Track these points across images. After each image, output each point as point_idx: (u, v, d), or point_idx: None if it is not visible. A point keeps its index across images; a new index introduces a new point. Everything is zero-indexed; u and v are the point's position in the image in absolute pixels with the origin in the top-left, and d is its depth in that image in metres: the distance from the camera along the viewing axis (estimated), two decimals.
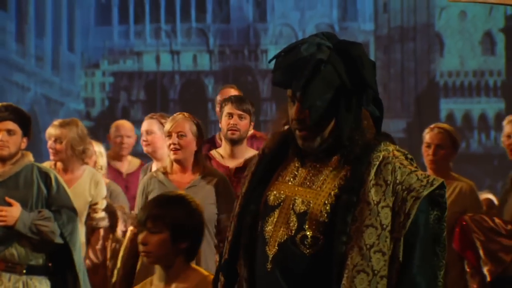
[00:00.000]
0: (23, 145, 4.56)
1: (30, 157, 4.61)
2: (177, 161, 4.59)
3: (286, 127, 2.74)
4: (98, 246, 5.19)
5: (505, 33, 15.26)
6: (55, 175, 4.57)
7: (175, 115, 4.79)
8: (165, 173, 4.65)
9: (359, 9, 15.69)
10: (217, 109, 5.53)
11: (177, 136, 4.62)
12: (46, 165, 5.24)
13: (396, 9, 16.13)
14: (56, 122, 5.39)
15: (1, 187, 4.51)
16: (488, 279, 4.74)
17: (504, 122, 5.18)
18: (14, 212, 4.40)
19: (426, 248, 2.37)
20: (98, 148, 5.87)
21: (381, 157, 2.40)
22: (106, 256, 5.28)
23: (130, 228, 4.76)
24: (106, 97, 15.78)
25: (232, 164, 5.01)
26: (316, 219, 2.40)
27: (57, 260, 4.54)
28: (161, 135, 5.35)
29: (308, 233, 2.40)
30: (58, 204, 4.53)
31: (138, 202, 4.65)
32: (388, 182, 2.36)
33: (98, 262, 5.17)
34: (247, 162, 4.80)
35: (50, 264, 4.52)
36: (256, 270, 2.48)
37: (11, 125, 4.51)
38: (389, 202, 2.36)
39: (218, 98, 5.68)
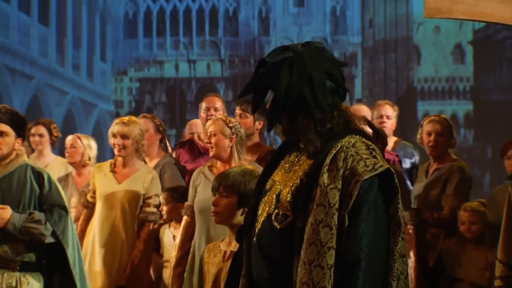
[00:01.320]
0: (17, 146, 4.08)
1: (24, 157, 4.15)
2: (215, 157, 4.51)
3: None
4: (145, 239, 4.75)
5: (473, 45, 15.25)
6: (48, 174, 4.11)
7: (211, 119, 4.65)
8: (210, 168, 4.54)
9: (348, 24, 15.69)
10: (202, 114, 5.27)
11: (210, 136, 4.55)
12: (107, 162, 4.90)
13: (380, 25, 16.12)
14: (118, 121, 4.97)
15: None
16: (430, 265, 4.72)
17: (425, 122, 5.06)
18: (4, 214, 3.96)
19: (363, 224, 2.39)
20: (87, 141, 5.67)
21: (338, 146, 2.44)
22: (152, 249, 4.95)
23: (184, 217, 4.53)
24: (133, 100, 15.80)
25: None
26: (284, 199, 2.46)
27: (52, 257, 4.08)
28: (154, 134, 5.26)
29: (280, 211, 2.47)
30: (50, 203, 4.06)
31: (190, 193, 4.65)
32: (339, 167, 2.40)
33: (143, 254, 4.74)
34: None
35: (44, 261, 4.05)
36: (248, 241, 2.57)
37: (3, 126, 4.03)
38: (338, 185, 2.39)
39: (203, 104, 5.38)
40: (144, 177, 4.89)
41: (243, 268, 2.57)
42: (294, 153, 2.55)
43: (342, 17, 15.84)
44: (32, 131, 6.06)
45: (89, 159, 5.59)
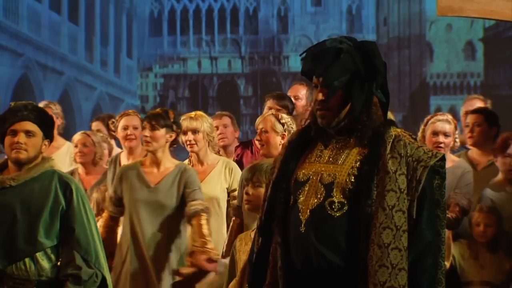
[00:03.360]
0: (44, 149, 3.44)
1: (52, 163, 3.49)
2: (265, 155, 4.39)
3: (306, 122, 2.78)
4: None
5: (484, 42, 15.18)
6: (76, 186, 3.42)
7: (261, 115, 4.42)
8: None
9: (364, 22, 15.66)
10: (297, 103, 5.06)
11: (261, 133, 4.30)
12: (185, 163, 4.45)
13: (394, 23, 16.08)
14: (185, 117, 4.65)
15: (13, 193, 3.36)
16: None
17: (430, 121, 4.76)
18: None
19: (432, 209, 2.41)
20: (96, 139, 5.31)
21: (393, 135, 2.45)
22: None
23: (233, 218, 4.24)
24: (157, 95, 15.85)
25: None
26: (342, 187, 2.43)
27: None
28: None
29: (335, 199, 2.44)
30: (72, 226, 3.30)
31: (239, 194, 4.54)
32: (402, 155, 2.41)
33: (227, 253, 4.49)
34: None
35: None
36: (290, 233, 2.50)
37: (29, 125, 3.38)
38: (404, 171, 2.40)
39: (289, 94, 5.17)
40: (224, 171, 4.67)
41: (279, 261, 2.49)
42: (333, 144, 2.53)
43: (358, 15, 15.83)
44: (92, 127, 5.90)
45: (101, 158, 5.31)
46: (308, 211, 2.48)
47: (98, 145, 5.25)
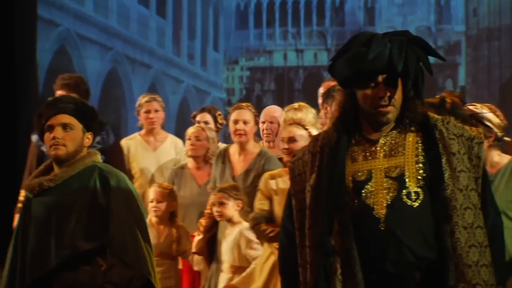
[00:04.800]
0: (87, 142, 3.21)
1: (96, 157, 3.24)
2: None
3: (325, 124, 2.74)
4: None
5: None
6: (118, 181, 3.10)
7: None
8: None
9: (453, 13, 15.40)
10: (320, 101, 5.02)
11: (289, 141, 4.34)
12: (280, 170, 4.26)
13: (484, 13, 15.77)
14: (289, 108, 4.60)
15: (52, 195, 3.12)
16: None
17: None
18: None
19: (489, 185, 2.44)
20: (211, 134, 5.37)
21: (439, 119, 2.45)
22: None
23: None
24: (243, 88, 15.93)
25: None
26: (414, 176, 2.43)
27: None
28: (253, 126, 4.99)
29: (411, 189, 2.43)
30: (108, 225, 3.03)
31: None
32: (457, 135, 2.42)
33: None
34: None
35: None
36: (366, 234, 2.47)
37: (66, 118, 3.13)
38: (465, 150, 2.41)
39: (321, 90, 5.19)
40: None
41: (356, 265, 2.45)
42: (383, 138, 2.52)
43: (446, 6, 15.57)
44: (198, 118, 5.91)
45: (213, 155, 5.24)
46: (384, 207, 2.46)
47: (212, 141, 5.23)
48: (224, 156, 4.94)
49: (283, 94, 15.49)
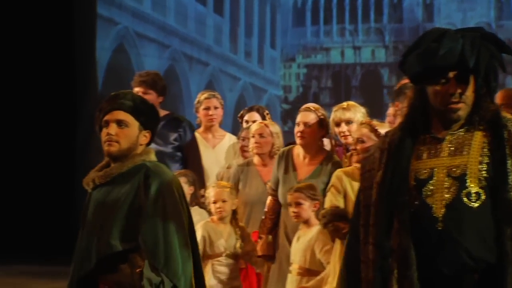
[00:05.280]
0: (144, 140, 3.11)
1: (147, 156, 3.11)
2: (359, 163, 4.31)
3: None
4: None
5: None
6: (160, 181, 2.99)
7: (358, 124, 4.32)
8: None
9: None
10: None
11: (357, 143, 4.28)
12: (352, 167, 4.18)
13: None
14: (337, 107, 4.58)
15: (103, 191, 3.08)
16: None
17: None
18: None
19: None
20: (274, 129, 5.27)
21: (507, 118, 2.41)
22: None
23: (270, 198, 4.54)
24: (300, 85, 15.92)
25: None
26: (476, 177, 2.39)
27: None
28: (317, 128, 4.83)
29: (471, 190, 2.39)
30: (140, 226, 2.91)
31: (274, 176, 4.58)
32: None
33: None
34: None
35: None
36: (423, 233, 2.44)
37: (121, 115, 3.05)
38: None
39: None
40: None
41: (412, 265, 2.43)
42: (450, 136, 2.49)
43: (507, 2, 15.31)
44: (246, 117, 5.86)
45: (278, 150, 5.13)
46: (443, 206, 2.43)
47: (276, 136, 5.13)
48: (287, 157, 4.86)
49: (340, 92, 15.43)
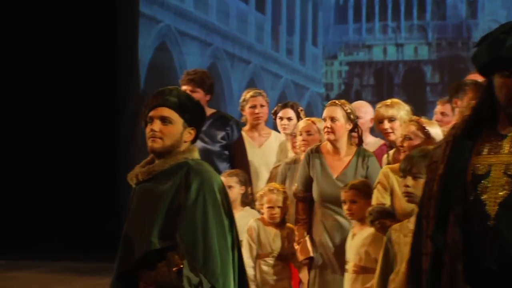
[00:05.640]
0: (188, 137, 3.08)
1: (189, 154, 3.06)
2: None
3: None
4: None
5: None
6: (202, 180, 2.93)
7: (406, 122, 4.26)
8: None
9: None
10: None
11: (404, 140, 4.24)
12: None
13: None
14: (381, 104, 4.56)
15: (145, 188, 3.05)
16: None
17: None
18: None
19: None
20: (321, 125, 5.05)
21: None
22: None
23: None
24: (342, 83, 15.87)
25: None
26: None
27: None
28: (344, 123, 4.79)
29: None
30: (179, 224, 2.87)
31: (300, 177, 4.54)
32: None
33: None
34: None
35: None
36: (475, 229, 2.42)
37: (165, 111, 3.01)
38: None
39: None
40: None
41: (460, 261, 2.42)
42: (510, 135, 2.45)
43: None
44: (280, 114, 5.84)
45: None
46: (497, 204, 2.41)
47: (322, 132, 5.02)
48: (318, 155, 4.81)
49: (382, 89, 15.35)
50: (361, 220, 4.63)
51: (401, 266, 3.44)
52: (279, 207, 5.00)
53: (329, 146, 4.79)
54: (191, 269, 2.88)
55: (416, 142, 4.07)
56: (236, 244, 3.10)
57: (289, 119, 5.86)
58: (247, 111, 5.99)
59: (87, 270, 9.03)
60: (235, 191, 5.23)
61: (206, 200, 2.93)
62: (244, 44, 13.81)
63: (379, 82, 15.68)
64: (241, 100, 6.09)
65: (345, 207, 4.64)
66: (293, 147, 5.50)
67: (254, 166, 5.79)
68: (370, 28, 15.90)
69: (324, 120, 4.74)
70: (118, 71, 10.84)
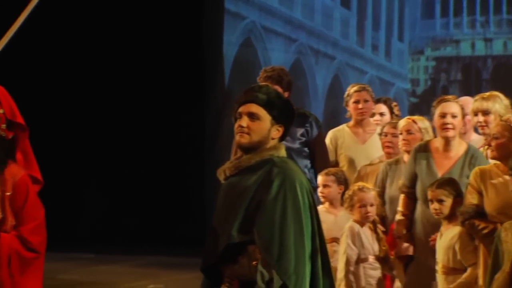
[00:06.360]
0: (276, 134, 3.09)
1: (275, 151, 3.08)
2: (494, 158, 4.13)
3: None
4: None
5: None
6: (284, 177, 2.96)
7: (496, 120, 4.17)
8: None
9: None
10: None
11: (492, 139, 4.15)
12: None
13: None
14: (478, 97, 4.50)
15: (232, 183, 3.08)
16: None
17: None
18: None
19: None
20: (423, 124, 5.06)
21: None
22: None
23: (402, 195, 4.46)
24: (428, 78, 15.69)
25: None
26: None
27: None
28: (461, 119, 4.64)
29: None
30: (256, 219, 2.88)
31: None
32: None
33: None
34: None
35: None
36: None
37: (254, 107, 3.05)
38: None
39: None
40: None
41: None
42: None
43: None
44: (373, 110, 5.76)
45: None
46: None
47: (425, 131, 4.93)
48: (426, 152, 4.69)
49: (470, 85, 15.11)
50: (448, 219, 4.56)
51: (506, 266, 3.38)
52: (371, 205, 4.92)
53: (438, 143, 4.67)
54: (265, 264, 2.89)
55: (502, 141, 3.98)
56: (320, 242, 3.07)
57: (381, 114, 5.74)
58: (350, 106, 5.83)
59: (173, 265, 9.15)
60: (332, 190, 5.18)
61: (286, 197, 2.95)
62: (329, 40, 13.77)
63: (466, 78, 15.43)
64: (345, 95, 5.92)
65: (432, 206, 4.56)
66: (383, 146, 5.40)
67: (357, 163, 5.64)
68: (457, 22, 15.66)
69: (442, 116, 4.59)
70: (204, 67, 10.95)
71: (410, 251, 4.78)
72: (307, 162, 5.51)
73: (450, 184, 4.50)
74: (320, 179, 5.26)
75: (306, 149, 5.53)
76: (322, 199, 5.23)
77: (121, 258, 9.54)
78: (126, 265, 9.28)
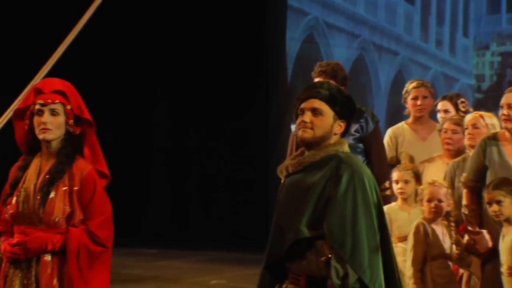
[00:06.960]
0: (338, 130, 3.11)
1: (339, 147, 3.10)
2: None
3: None
4: None
5: None
6: (352, 172, 2.96)
7: None
8: None
9: None
10: None
11: None
12: None
13: None
14: (508, 90, 4.47)
15: (295, 179, 3.08)
16: None
17: None
18: None
19: None
20: (490, 121, 4.94)
21: None
22: None
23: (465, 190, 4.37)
24: (494, 74, 15.46)
25: None
26: None
27: None
28: None
29: None
30: (326, 215, 2.88)
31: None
32: None
33: None
34: None
35: None
36: None
37: (316, 103, 3.06)
38: None
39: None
40: None
41: None
42: None
43: None
44: (438, 107, 5.62)
45: None
46: None
47: (491, 127, 4.83)
48: (495, 144, 4.59)
49: None
50: (508, 221, 4.44)
51: None
52: (439, 200, 4.83)
53: (507, 134, 4.58)
54: (338, 260, 2.89)
55: None
56: (386, 237, 3.07)
57: (446, 111, 5.63)
58: (409, 102, 5.74)
59: (237, 260, 9.19)
60: (412, 186, 5.10)
61: (356, 192, 2.95)
62: (392, 35, 13.66)
63: None
64: (403, 91, 5.85)
65: (490, 208, 4.45)
66: (443, 143, 5.31)
67: (418, 161, 5.51)
68: None
69: (501, 107, 4.52)
70: (267, 63, 10.98)
71: (490, 243, 4.65)
72: (362, 158, 5.41)
73: (506, 183, 4.40)
74: (398, 174, 5.16)
75: (360, 144, 5.39)
76: (399, 196, 5.15)
77: (184, 254, 9.62)
78: (189, 260, 9.37)
